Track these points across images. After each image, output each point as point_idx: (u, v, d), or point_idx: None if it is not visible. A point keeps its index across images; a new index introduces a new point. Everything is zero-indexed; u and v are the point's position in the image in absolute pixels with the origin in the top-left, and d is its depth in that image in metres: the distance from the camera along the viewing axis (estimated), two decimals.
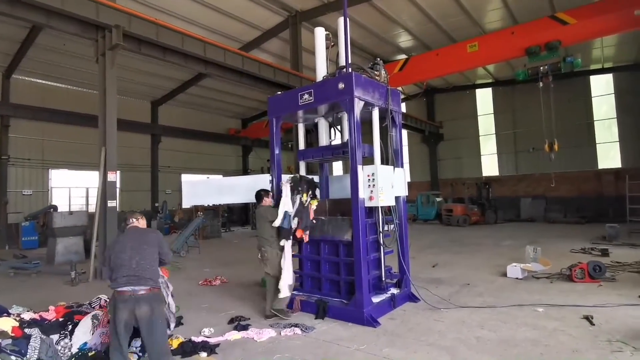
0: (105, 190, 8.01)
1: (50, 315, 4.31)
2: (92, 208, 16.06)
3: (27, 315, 4.23)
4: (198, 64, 10.62)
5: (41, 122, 15.88)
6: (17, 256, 10.07)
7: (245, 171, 25.02)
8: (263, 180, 5.48)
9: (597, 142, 18.63)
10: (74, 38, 11.53)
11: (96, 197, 8.20)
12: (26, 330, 3.76)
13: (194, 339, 4.05)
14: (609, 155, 18.39)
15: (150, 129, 19.99)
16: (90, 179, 17.27)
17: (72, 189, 17.27)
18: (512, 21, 13.80)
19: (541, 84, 11.73)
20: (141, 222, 3.50)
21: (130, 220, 3.45)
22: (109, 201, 8.01)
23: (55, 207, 13.37)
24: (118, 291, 3.03)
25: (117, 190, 10.90)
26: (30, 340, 3.59)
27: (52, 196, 16.49)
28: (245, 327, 4.39)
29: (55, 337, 3.82)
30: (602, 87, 18.63)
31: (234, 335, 4.20)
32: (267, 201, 5.09)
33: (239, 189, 5.85)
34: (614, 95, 18.32)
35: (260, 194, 5.10)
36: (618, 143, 18.17)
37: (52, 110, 15.92)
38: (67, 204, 16.78)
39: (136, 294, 3.01)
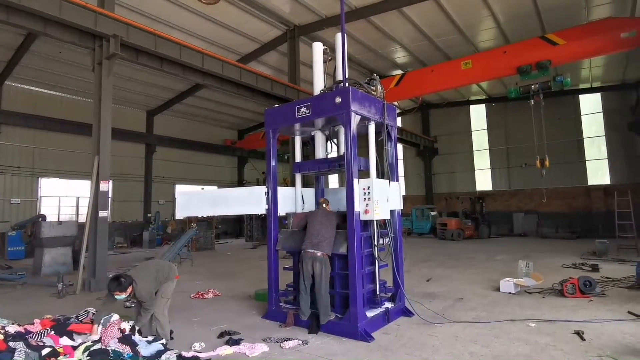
0: (97, 200, 7.89)
1: (36, 328, 4.18)
2: (82, 218, 15.83)
3: (12, 329, 4.11)
4: (196, 75, 10.69)
5: (33, 129, 15.74)
6: (1, 267, 9.83)
7: (240, 182, 24.95)
8: (258, 192, 5.46)
9: (586, 159, 19.02)
10: (70, 46, 11.58)
11: (87, 206, 8.07)
12: (10, 343, 3.65)
13: (184, 353, 3.95)
14: (598, 172, 18.75)
15: (144, 138, 19.92)
16: (81, 188, 17.04)
17: (62, 198, 17.00)
18: (504, 40, 14.21)
19: (532, 102, 12.03)
20: None
21: None
22: (100, 211, 7.89)
23: (43, 217, 13.12)
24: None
25: (109, 200, 10.80)
26: (15, 354, 3.48)
27: (41, 205, 16.21)
28: (237, 342, 4.31)
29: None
30: (591, 106, 19.13)
31: (226, 350, 4.11)
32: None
33: (233, 201, 5.81)
34: (602, 113, 18.82)
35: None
36: (607, 160, 18.57)
37: (45, 118, 15.82)
38: (56, 214, 16.49)
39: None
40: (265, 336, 4.55)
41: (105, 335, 3.84)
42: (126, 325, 3.99)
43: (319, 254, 4.67)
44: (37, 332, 4.02)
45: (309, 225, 4.93)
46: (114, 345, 3.75)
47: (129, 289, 3.98)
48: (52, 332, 4.03)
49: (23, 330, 4.10)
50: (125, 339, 3.83)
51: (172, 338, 4.49)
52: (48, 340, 3.87)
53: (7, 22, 7.27)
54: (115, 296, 3.96)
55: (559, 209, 18.97)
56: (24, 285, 8.03)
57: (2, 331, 3.93)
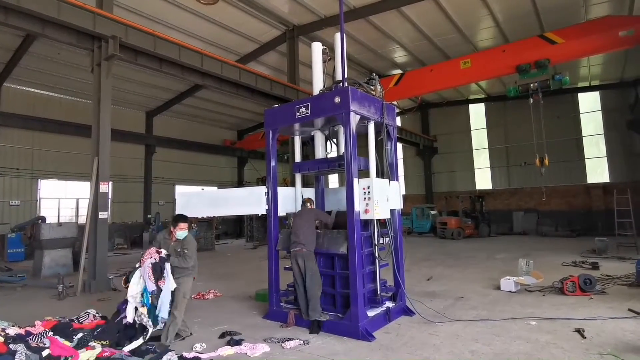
0: (97, 202, 7.88)
1: (37, 330, 4.18)
2: (82, 219, 15.81)
3: (12, 331, 4.11)
4: (195, 75, 10.67)
5: (32, 131, 15.72)
6: (1, 269, 9.81)
7: (240, 183, 24.93)
8: (258, 192, 5.46)
9: (585, 157, 19.04)
10: (69, 47, 11.57)
11: (87, 208, 8.07)
12: (11, 346, 3.65)
13: (185, 354, 3.96)
14: (597, 170, 18.77)
15: (144, 139, 19.88)
16: (81, 190, 17.01)
17: (62, 200, 16.98)
18: (503, 39, 14.22)
19: (531, 101, 12.04)
20: None
21: None
22: (100, 212, 7.88)
23: (43, 218, 13.09)
24: None
25: (109, 201, 10.78)
26: (15, 357, 3.48)
27: (41, 207, 16.19)
28: (238, 342, 4.31)
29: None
30: (589, 104, 19.14)
31: (227, 350, 4.11)
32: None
33: (233, 201, 5.81)
34: (601, 112, 18.84)
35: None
36: (606, 158, 18.59)
37: (44, 119, 15.79)
38: (56, 215, 16.47)
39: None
40: (267, 336, 4.55)
41: (145, 255, 4.21)
42: (163, 250, 4.33)
43: (300, 250, 4.84)
44: (37, 333, 4.02)
45: (292, 226, 5.15)
46: (147, 268, 4.10)
47: (186, 226, 4.57)
48: (51, 333, 4.04)
49: (23, 333, 4.10)
50: (157, 266, 4.15)
51: (186, 337, 4.50)
52: (48, 342, 3.87)
53: (6, 24, 7.25)
54: (178, 232, 4.49)
55: (559, 207, 18.98)
56: (24, 287, 8.03)
57: (3, 333, 3.93)
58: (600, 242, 10.64)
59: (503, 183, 21.20)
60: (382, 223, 5.14)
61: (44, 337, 3.95)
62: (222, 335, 4.63)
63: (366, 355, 3.92)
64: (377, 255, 5.02)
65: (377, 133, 5.32)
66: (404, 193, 21.73)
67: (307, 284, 4.80)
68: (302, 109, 5.09)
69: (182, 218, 4.59)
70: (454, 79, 13.44)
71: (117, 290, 7.63)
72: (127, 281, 4.21)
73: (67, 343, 3.90)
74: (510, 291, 6.46)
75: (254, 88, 12.00)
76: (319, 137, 5.71)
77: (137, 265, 4.24)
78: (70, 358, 3.64)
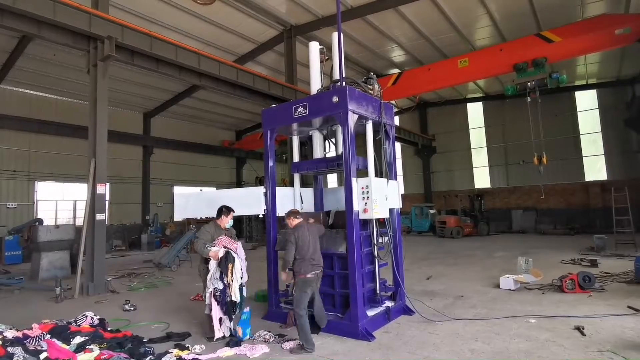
0: (94, 203, 7.84)
1: (34, 333, 4.15)
2: (79, 221, 15.74)
3: (10, 334, 4.08)
4: (192, 75, 10.63)
5: (28, 133, 15.65)
6: None
7: (239, 183, 24.89)
8: (257, 193, 5.44)
9: (583, 155, 19.10)
10: (65, 48, 11.51)
11: (84, 210, 8.03)
12: (9, 349, 3.62)
13: (184, 356, 3.93)
14: (595, 168, 18.85)
15: (142, 140, 19.82)
16: (78, 192, 16.96)
17: (59, 202, 16.90)
18: (501, 38, 14.24)
19: (529, 99, 12.05)
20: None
21: None
22: (97, 214, 7.84)
23: (40, 221, 13.02)
24: None
25: (107, 203, 10.73)
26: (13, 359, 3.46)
27: (38, 209, 16.11)
28: (237, 343, 4.29)
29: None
30: (586, 103, 19.22)
31: (226, 351, 4.09)
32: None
33: (232, 202, 5.78)
34: (598, 110, 18.90)
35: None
36: (603, 156, 18.66)
37: (41, 121, 15.73)
38: (53, 218, 16.40)
39: None
40: (266, 337, 4.52)
41: (233, 244, 4.64)
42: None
43: (321, 272, 4.53)
44: (34, 336, 3.99)
45: (302, 246, 4.33)
46: (242, 254, 4.64)
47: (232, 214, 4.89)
48: (49, 336, 4.01)
49: (21, 336, 4.07)
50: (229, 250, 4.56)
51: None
52: (45, 345, 3.84)
53: (1, 25, 7.20)
54: (230, 220, 4.86)
55: (557, 206, 19.05)
56: (21, 290, 7.98)
57: (0, 337, 3.90)
58: (598, 240, 10.67)
59: (502, 182, 21.25)
60: (381, 222, 5.13)
61: (41, 340, 3.92)
62: (222, 336, 4.59)
63: (366, 355, 3.91)
64: (376, 254, 5.01)
65: (376, 132, 5.31)
66: (403, 192, 21.70)
67: (318, 305, 4.53)
68: (300, 109, 5.07)
69: (230, 207, 4.86)
70: (452, 77, 13.47)
71: (115, 292, 7.60)
72: (227, 260, 4.45)
73: (64, 346, 3.87)
74: (509, 289, 6.46)
75: (252, 88, 11.97)
76: (317, 137, 5.69)
77: (223, 250, 4.49)
78: None
